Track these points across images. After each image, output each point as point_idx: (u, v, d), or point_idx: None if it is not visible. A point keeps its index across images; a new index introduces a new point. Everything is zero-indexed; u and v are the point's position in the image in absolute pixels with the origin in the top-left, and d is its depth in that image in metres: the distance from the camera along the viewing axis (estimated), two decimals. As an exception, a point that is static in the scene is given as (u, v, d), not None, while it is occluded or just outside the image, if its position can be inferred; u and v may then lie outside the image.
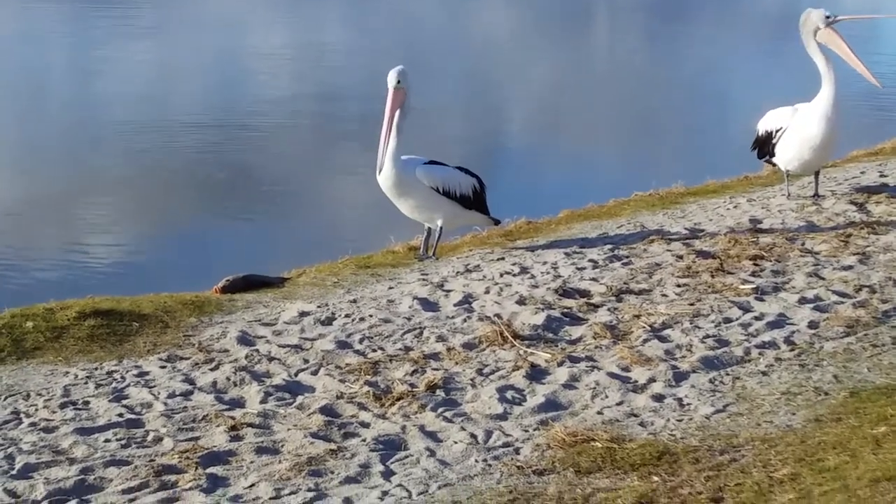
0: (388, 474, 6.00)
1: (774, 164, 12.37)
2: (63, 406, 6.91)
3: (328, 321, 8.52)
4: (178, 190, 18.86)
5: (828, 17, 11.47)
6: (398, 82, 10.08)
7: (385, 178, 10.23)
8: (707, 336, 7.96)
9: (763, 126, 12.21)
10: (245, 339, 8.10)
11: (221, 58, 35.90)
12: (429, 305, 8.85)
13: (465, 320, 8.44)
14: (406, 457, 6.20)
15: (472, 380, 7.31)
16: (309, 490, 5.80)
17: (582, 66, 36.41)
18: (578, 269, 9.77)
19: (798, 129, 11.71)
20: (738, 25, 48.12)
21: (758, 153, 12.44)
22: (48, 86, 30.83)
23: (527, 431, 6.51)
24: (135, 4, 50.83)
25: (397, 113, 10.12)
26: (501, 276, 9.65)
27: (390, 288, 9.47)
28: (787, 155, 11.93)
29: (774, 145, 12.01)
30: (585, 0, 59.04)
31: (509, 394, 7.06)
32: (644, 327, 8.14)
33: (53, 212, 17.22)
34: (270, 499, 5.73)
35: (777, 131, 11.96)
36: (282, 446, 6.33)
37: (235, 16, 48.31)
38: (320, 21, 48.56)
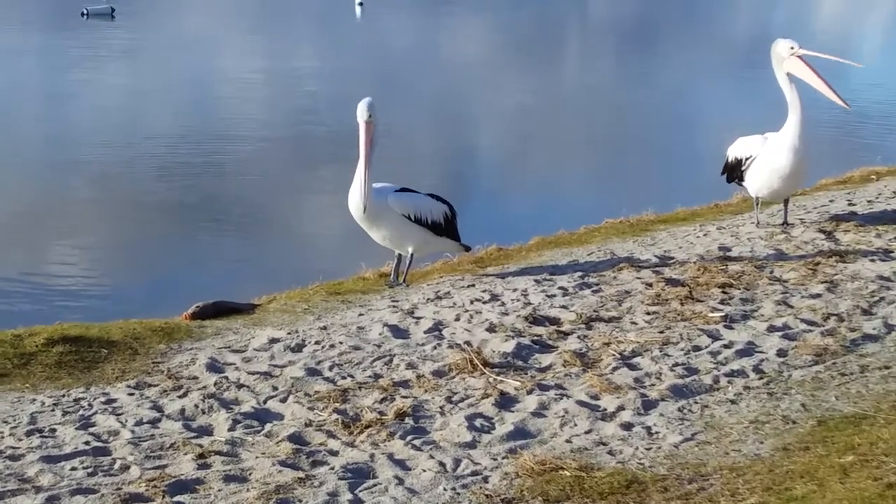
0: (356, 503, 5.97)
1: (743, 186, 12.44)
2: (29, 433, 6.85)
3: (298, 348, 8.50)
4: (148, 215, 18.82)
5: (791, 49, 11.55)
6: (369, 116, 10.04)
7: (356, 207, 10.19)
8: (676, 364, 7.98)
9: (733, 153, 12.28)
10: (214, 366, 8.07)
11: (193, 83, 35.87)
12: (399, 332, 8.83)
13: (435, 347, 8.43)
14: (374, 485, 6.18)
15: (441, 408, 7.30)
16: (277, 519, 5.77)
17: (553, 92, 36.55)
18: (549, 296, 9.78)
19: (767, 158, 11.78)
20: (710, 53, 48.44)
21: (727, 178, 12.51)
22: (16, 109, 30.71)
23: (495, 460, 6.50)
24: (106, 29, 50.76)
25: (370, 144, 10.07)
26: (472, 303, 9.65)
27: (360, 315, 9.45)
28: (756, 183, 12.01)
29: (744, 172, 12.09)
30: (557, 25, 59.35)
31: (478, 422, 7.05)
32: (614, 355, 8.14)
33: (22, 237, 17.15)
34: (238, 527, 5.70)
35: (746, 159, 12.04)
36: (250, 474, 6.29)
37: (206, 40, 48.29)
38: (292, 46, 48.60)
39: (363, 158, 10.00)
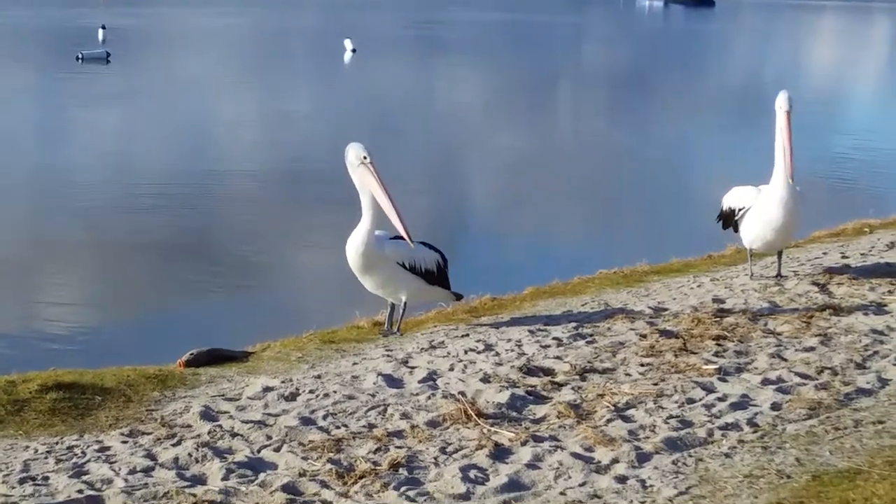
0: (350, 554, 5.96)
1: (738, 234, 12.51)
2: (22, 481, 6.82)
3: (292, 397, 8.48)
4: (142, 261, 18.81)
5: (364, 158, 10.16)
6: (370, 154, 10.04)
7: (356, 253, 10.20)
8: (670, 417, 7.97)
9: (727, 202, 12.34)
10: (208, 415, 8.05)
11: (185, 129, 35.96)
12: (393, 382, 8.83)
13: (429, 397, 8.42)
14: (368, 536, 6.16)
15: (435, 458, 7.29)
16: (270, 570, 5.75)
17: (547, 141, 36.68)
18: (543, 346, 9.78)
19: (760, 210, 11.84)
20: (706, 103, 48.67)
21: (722, 225, 12.57)
22: (8, 152, 30.75)
23: (490, 512, 6.48)
24: (101, 73, 50.88)
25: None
26: (466, 352, 9.65)
27: (355, 364, 9.45)
28: (749, 235, 12.06)
29: (738, 223, 12.15)
30: (551, 73, 59.59)
31: (472, 473, 7.04)
32: (608, 407, 8.14)
33: (14, 282, 17.13)
34: (231, 578, 5.67)
35: (739, 210, 12.10)
36: (243, 525, 6.28)
37: (200, 84, 48.43)
38: (286, 90, 48.74)
39: (387, 196, 9.97)
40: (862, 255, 13.41)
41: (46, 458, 7.23)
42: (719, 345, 9.68)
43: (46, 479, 6.90)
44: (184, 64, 58.95)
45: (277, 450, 7.41)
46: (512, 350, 9.71)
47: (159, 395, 8.56)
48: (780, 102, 11.62)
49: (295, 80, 54.99)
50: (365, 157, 10.02)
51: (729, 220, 12.31)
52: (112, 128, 35.71)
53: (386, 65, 61.94)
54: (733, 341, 9.79)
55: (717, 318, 10.50)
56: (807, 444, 7.48)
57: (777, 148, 11.64)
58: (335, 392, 8.55)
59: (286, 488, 6.76)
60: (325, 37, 75.09)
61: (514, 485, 6.88)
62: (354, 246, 10.19)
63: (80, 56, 60.97)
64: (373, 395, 8.49)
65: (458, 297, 11.13)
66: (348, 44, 69.34)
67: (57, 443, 7.51)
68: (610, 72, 64.47)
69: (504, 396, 8.33)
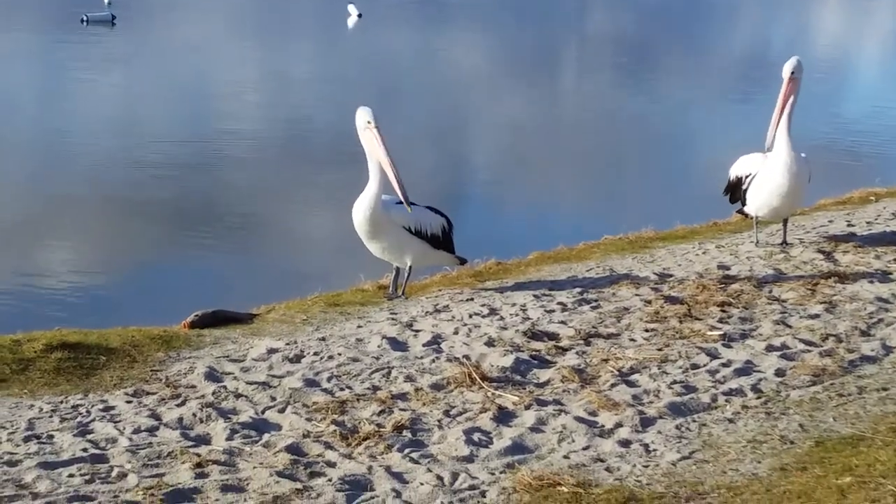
0: (353, 515, 5.98)
1: (746, 215, 12.48)
2: (27, 439, 6.85)
3: (296, 359, 8.50)
4: (148, 223, 18.82)
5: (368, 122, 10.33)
6: (375, 119, 10.06)
7: (363, 217, 10.19)
8: (674, 382, 7.98)
9: (734, 171, 12.32)
10: (212, 376, 8.07)
11: (192, 91, 35.88)
12: (397, 345, 8.84)
13: (433, 361, 8.43)
14: (372, 497, 6.18)
15: (439, 421, 7.30)
16: (274, 529, 5.77)
17: (554, 108, 36.59)
18: (547, 311, 9.79)
19: (765, 176, 11.81)
20: (713, 70, 48.51)
21: (730, 198, 12.53)
22: (15, 115, 30.71)
23: (493, 474, 6.50)
24: (106, 35, 50.80)
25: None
26: (470, 316, 9.66)
27: (359, 327, 9.46)
28: (756, 201, 12.03)
29: (745, 191, 12.11)
30: (559, 41, 59.42)
31: (476, 436, 7.05)
32: (612, 372, 8.15)
33: (21, 242, 17.14)
34: (235, 538, 5.70)
35: (746, 177, 12.07)
36: (247, 484, 6.29)
37: (207, 47, 48.35)
38: (292, 53, 48.65)
39: (390, 163, 9.99)
40: (868, 223, 13.39)
41: (51, 416, 7.25)
42: (724, 311, 9.68)
43: (51, 437, 6.92)
44: (189, 27, 58.84)
45: (282, 411, 7.43)
46: (517, 314, 9.71)
47: (164, 356, 8.58)
48: (784, 69, 11.60)
49: (299, 44, 54.85)
50: (369, 122, 10.02)
51: (737, 190, 12.27)
52: (116, 90, 35.65)
53: (391, 30, 61.78)
54: (738, 308, 9.79)
55: (722, 285, 10.49)
56: (810, 410, 7.48)
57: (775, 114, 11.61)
58: (339, 354, 8.57)
59: (290, 449, 6.78)
60: (330, 2, 74.82)
61: (517, 448, 6.89)
62: (361, 210, 10.19)
63: (84, 18, 60.81)
64: (377, 358, 8.50)
65: (462, 261, 11.13)
66: (353, 9, 69.14)
67: (62, 402, 7.53)
68: (616, 39, 64.27)
69: (508, 360, 8.34)
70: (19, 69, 41.08)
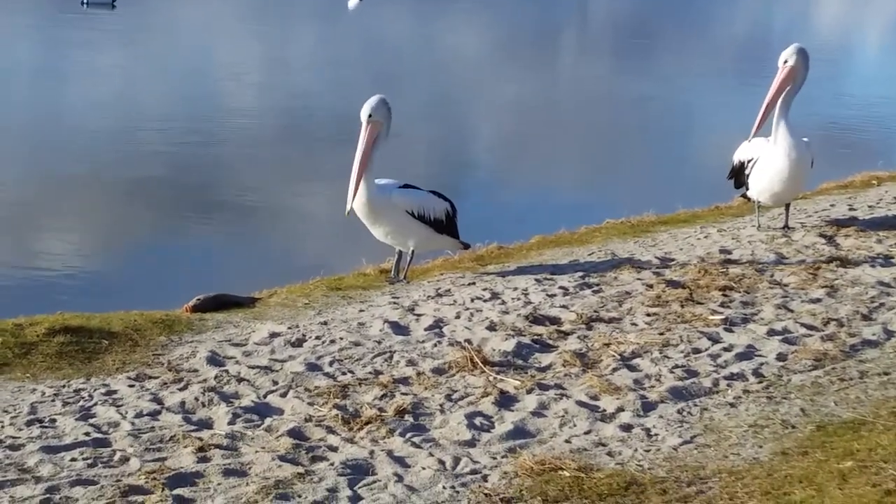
0: (355, 499, 5.98)
1: (749, 199, 12.47)
2: (29, 423, 6.86)
3: (298, 343, 8.50)
4: (150, 206, 18.81)
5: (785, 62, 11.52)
6: (370, 115, 10.09)
7: (361, 203, 10.21)
8: (676, 366, 7.99)
9: (738, 156, 12.32)
10: (214, 360, 8.08)
11: (193, 74, 35.83)
12: (399, 329, 8.84)
13: (435, 345, 8.44)
14: (374, 482, 6.18)
15: (441, 405, 7.31)
16: (276, 514, 5.78)
17: (556, 93, 36.54)
18: (549, 295, 9.79)
19: (766, 161, 11.80)
20: (716, 54, 48.42)
21: (734, 183, 12.53)
22: (15, 98, 30.65)
23: (495, 459, 6.51)
24: (107, 18, 50.70)
25: (374, 144, 10.12)
26: (472, 301, 9.66)
27: (361, 311, 9.46)
28: (758, 186, 12.03)
29: (748, 176, 12.10)
30: (560, 23, 59.33)
31: (478, 420, 7.06)
32: (613, 356, 8.15)
33: (23, 226, 17.13)
34: (237, 522, 5.71)
35: (749, 161, 12.06)
36: (249, 468, 6.30)
37: (208, 29, 48.29)
38: (294, 36, 48.58)
39: (359, 157, 10.05)
40: (870, 207, 13.39)
41: (53, 400, 7.25)
42: (725, 295, 9.69)
43: (53, 421, 6.92)
44: (189, 10, 58.76)
45: (283, 395, 7.44)
46: (518, 299, 9.71)
47: (166, 340, 8.58)
48: (780, 56, 11.62)
49: (301, 26, 54.76)
50: (370, 115, 10.07)
51: (740, 175, 12.27)
52: (116, 73, 35.59)
53: (392, 12, 61.65)
54: (740, 292, 9.80)
55: (724, 269, 10.50)
56: (812, 394, 7.49)
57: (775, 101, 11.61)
58: (341, 338, 8.57)
59: (292, 433, 6.79)
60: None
61: (519, 432, 6.90)
62: (357, 196, 10.21)
63: (84, 1, 60.69)
64: (379, 342, 8.50)
65: (466, 245, 11.13)
66: None
67: (64, 386, 7.54)
68: (619, 20, 64.16)
69: (510, 345, 8.35)
70: (18, 52, 41.01)
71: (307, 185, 20.49)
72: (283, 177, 21.39)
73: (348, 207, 10.23)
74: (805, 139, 11.84)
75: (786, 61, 11.54)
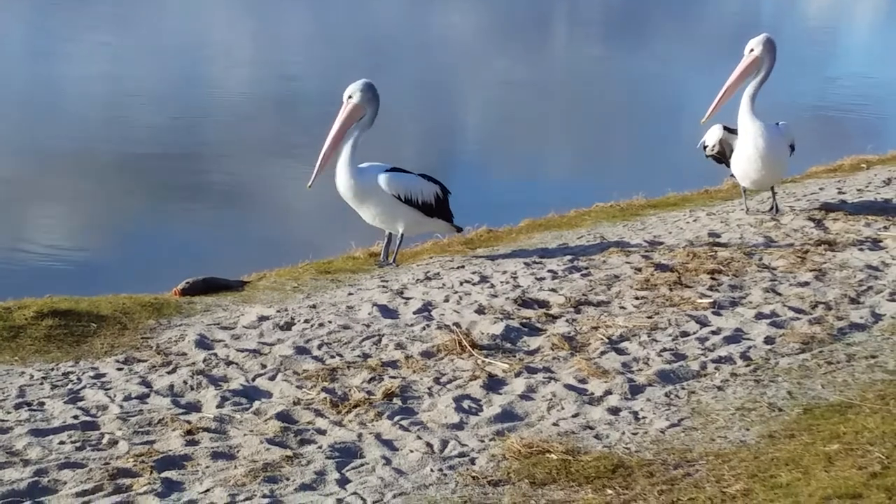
0: (343, 482, 6.00)
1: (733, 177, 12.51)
2: (18, 406, 6.86)
3: (287, 326, 8.51)
4: (139, 189, 18.75)
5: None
6: (349, 96, 10.16)
7: (343, 186, 10.25)
8: (664, 349, 8.01)
9: (703, 139, 12.34)
10: (203, 343, 8.08)
11: (182, 55, 35.72)
12: (388, 312, 8.86)
13: (423, 328, 8.46)
14: (362, 465, 6.20)
15: (429, 388, 7.33)
16: (264, 496, 5.79)
17: (546, 75, 36.49)
18: (538, 279, 9.81)
19: (740, 148, 11.82)
20: (705, 39, 48.35)
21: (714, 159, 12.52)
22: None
23: (483, 442, 6.53)
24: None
25: (351, 126, 10.20)
26: (461, 284, 9.68)
27: (350, 294, 9.47)
28: (738, 172, 12.06)
29: (729, 161, 12.13)
30: (550, 9, 59.24)
31: (466, 403, 7.08)
32: (602, 339, 8.18)
33: (10, 208, 17.09)
34: (225, 504, 5.72)
35: (706, 147, 12.13)
36: (237, 451, 6.31)
37: (195, 12, 48.14)
38: (283, 19, 48.45)
39: (332, 135, 10.15)
40: (858, 190, 13.42)
41: (42, 383, 7.26)
42: (714, 279, 9.71)
43: (42, 404, 6.93)
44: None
45: (272, 378, 7.45)
46: (507, 282, 9.73)
47: (155, 323, 8.59)
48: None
49: (294, 5, 54.60)
50: (349, 96, 10.16)
51: (718, 159, 12.31)
52: (105, 54, 35.43)
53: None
54: (728, 275, 9.82)
55: (713, 253, 10.53)
56: (799, 377, 7.52)
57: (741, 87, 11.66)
58: (330, 322, 8.58)
59: (280, 416, 6.80)
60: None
61: (507, 415, 6.92)
62: (337, 177, 10.27)
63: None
64: (367, 326, 8.52)
65: (459, 229, 11.13)
66: None
67: (52, 369, 7.54)
68: (609, 8, 64.07)
69: (498, 328, 8.36)
70: (6, 31, 40.84)
71: (297, 169, 20.43)
72: (272, 160, 21.33)
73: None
74: (782, 122, 11.85)
75: (752, 49, 11.57)
